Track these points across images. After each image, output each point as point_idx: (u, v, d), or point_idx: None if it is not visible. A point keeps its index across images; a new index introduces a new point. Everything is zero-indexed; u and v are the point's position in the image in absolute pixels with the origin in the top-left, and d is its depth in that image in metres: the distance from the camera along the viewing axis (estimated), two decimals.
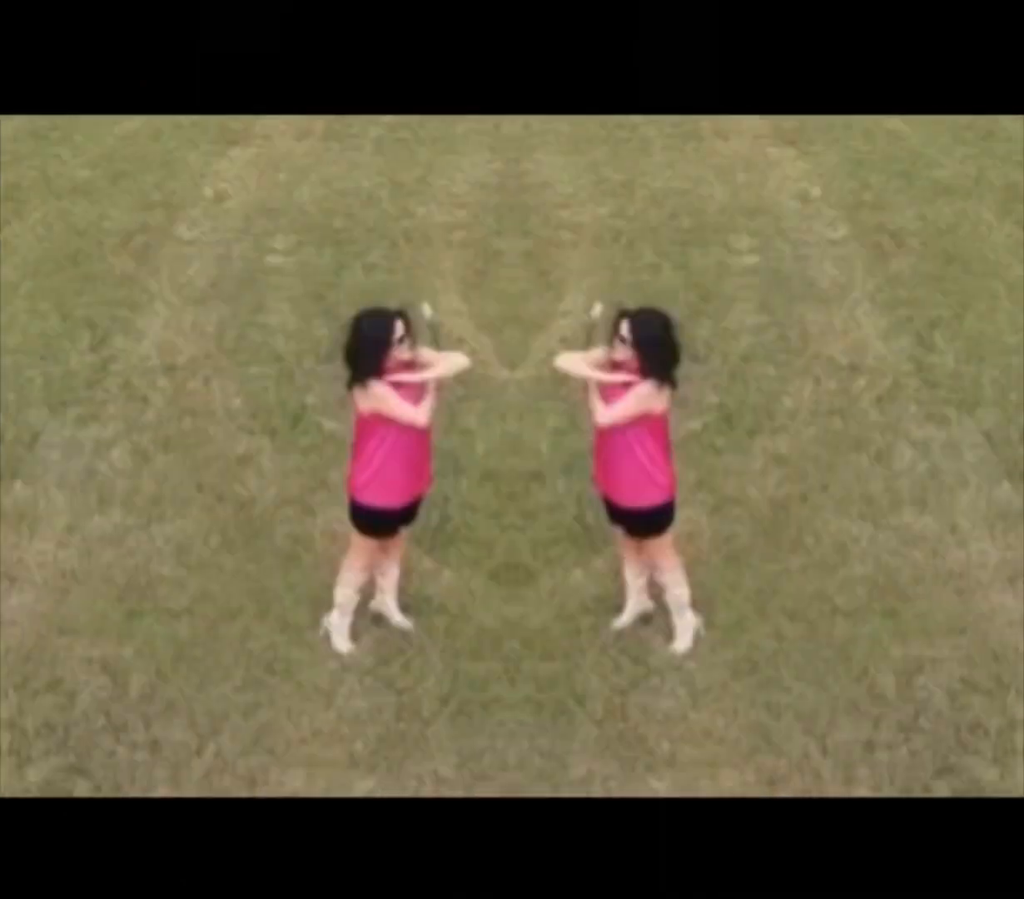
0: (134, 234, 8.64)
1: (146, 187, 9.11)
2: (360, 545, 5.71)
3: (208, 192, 9.07)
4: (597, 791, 5.32)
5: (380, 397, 5.35)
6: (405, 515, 5.69)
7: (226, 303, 8.01)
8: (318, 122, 9.85)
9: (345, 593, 5.79)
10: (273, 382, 7.41)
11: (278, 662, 5.81)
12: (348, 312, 8.10)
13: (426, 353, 5.52)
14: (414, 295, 8.23)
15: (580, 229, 8.60)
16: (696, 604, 5.94)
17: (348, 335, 5.40)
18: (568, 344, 7.53)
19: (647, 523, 5.64)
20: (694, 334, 7.55)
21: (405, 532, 5.84)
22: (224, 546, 6.39)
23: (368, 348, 5.32)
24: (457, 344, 7.01)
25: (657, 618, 5.96)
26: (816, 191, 8.90)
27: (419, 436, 5.50)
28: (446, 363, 5.42)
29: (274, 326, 7.85)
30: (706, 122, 9.37)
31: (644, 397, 5.33)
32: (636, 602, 5.92)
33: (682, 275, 8.13)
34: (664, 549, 5.73)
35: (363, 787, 5.31)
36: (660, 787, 5.32)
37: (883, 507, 6.59)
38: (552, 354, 7.05)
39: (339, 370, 7.49)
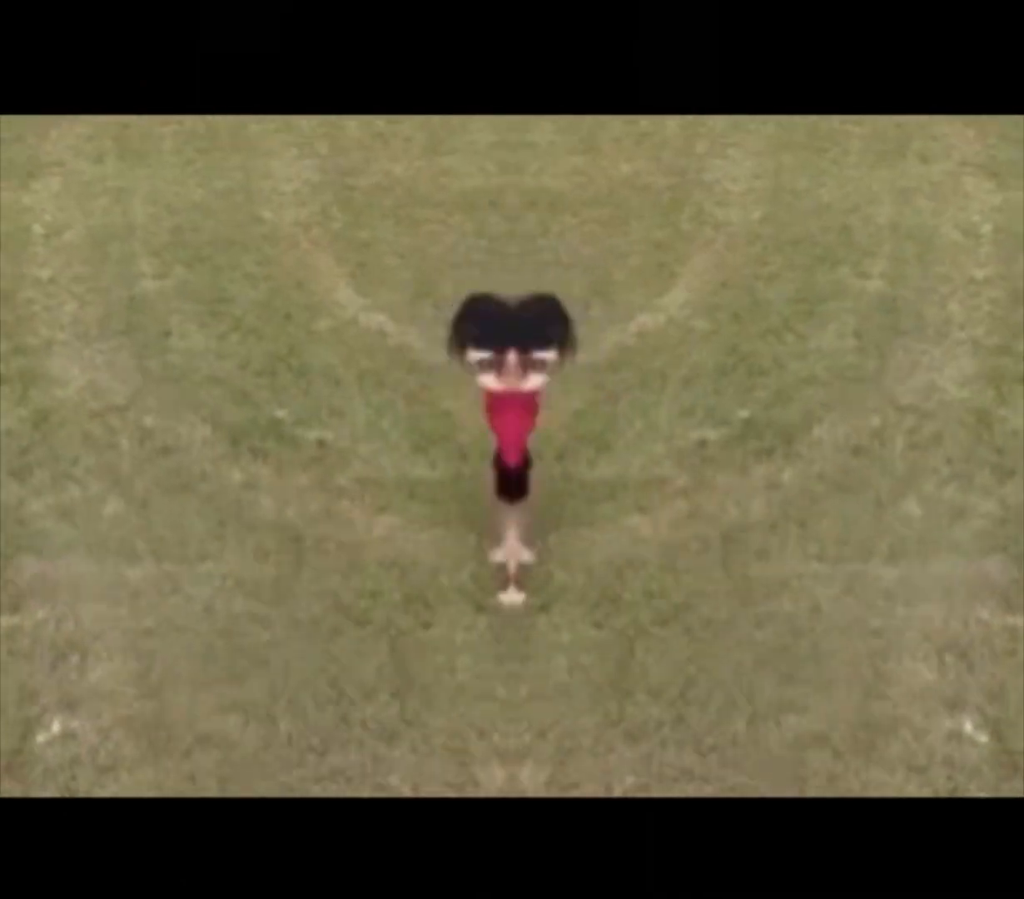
0: None
1: None
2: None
3: (37, 228, 8.52)
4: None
5: None
6: None
7: (128, 336, 7.61)
8: (107, 142, 9.40)
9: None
10: (230, 404, 7.15)
11: (413, 668, 5.78)
12: (259, 324, 8.19)
13: None
14: (319, 297, 8.24)
15: (722, 228, 8.15)
16: (601, 602, 6.02)
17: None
18: (644, 338, 7.48)
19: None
20: (768, 349, 7.38)
21: None
22: (287, 572, 6.24)
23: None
24: None
25: (541, 594, 6.00)
26: (987, 227, 8.14)
27: None
28: None
29: (193, 349, 7.55)
30: (916, 143, 8.70)
31: None
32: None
33: (794, 289, 7.69)
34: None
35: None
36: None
37: (850, 554, 6.34)
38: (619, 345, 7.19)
39: (299, 381, 7.46)
